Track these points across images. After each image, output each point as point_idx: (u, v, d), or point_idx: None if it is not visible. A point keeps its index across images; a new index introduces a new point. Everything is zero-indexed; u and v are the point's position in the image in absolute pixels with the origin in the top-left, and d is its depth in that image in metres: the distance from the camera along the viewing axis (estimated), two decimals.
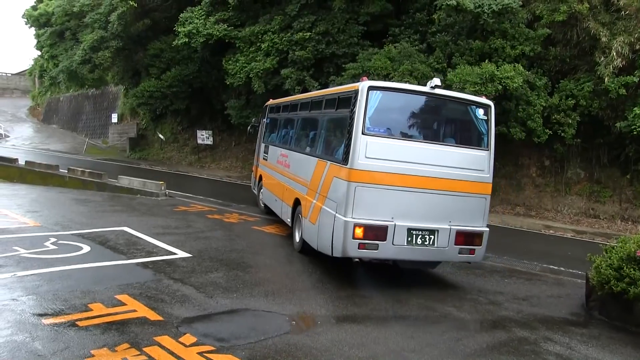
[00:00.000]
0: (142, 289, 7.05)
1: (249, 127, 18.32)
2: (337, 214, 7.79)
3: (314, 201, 8.94)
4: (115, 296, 6.64)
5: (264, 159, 14.48)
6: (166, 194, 16.33)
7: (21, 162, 21.59)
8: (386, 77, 17.72)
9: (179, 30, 22.62)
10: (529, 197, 18.62)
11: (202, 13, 22.86)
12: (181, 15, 23.16)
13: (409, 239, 7.75)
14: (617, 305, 7.26)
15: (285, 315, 6.54)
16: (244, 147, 27.23)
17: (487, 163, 8.26)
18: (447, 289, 8.53)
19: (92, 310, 6.13)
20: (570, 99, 16.73)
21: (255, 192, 15.51)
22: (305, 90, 19.51)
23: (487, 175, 8.28)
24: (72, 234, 10.20)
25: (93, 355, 4.98)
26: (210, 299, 6.88)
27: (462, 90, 16.11)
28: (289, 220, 10.70)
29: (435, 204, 7.90)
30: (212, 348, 5.34)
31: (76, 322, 5.73)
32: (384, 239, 7.63)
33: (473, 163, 8.15)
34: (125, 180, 17.52)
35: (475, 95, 14.84)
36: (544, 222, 16.76)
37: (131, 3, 23.67)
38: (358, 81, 8.11)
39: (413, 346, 5.94)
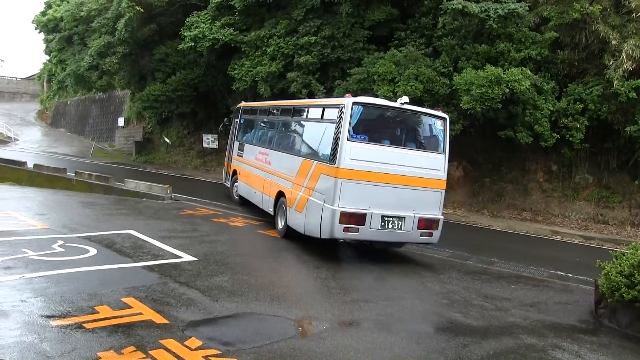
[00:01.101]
0: (148, 292, 7.06)
1: (220, 126, 20.21)
2: (325, 204, 9.62)
3: (300, 193, 10.67)
4: (122, 299, 6.65)
5: (238, 155, 16.20)
6: (172, 198, 16.36)
7: (30, 165, 21.70)
8: (391, 82, 17.73)
9: (185, 34, 22.72)
10: (535, 202, 18.53)
11: (208, 17, 22.96)
12: (187, 19, 23.28)
13: (383, 224, 9.72)
14: (628, 313, 7.15)
15: (291, 320, 6.53)
16: None
17: (443, 164, 10.31)
18: (453, 295, 8.48)
19: (98, 312, 6.14)
20: (578, 103, 16.63)
21: (228, 185, 17.34)
22: (311, 94, 19.58)
23: (443, 173, 10.33)
24: (79, 237, 10.23)
25: (100, 358, 4.99)
26: (216, 302, 6.88)
27: (467, 93, 16.13)
28: (270, 209, 12.38)
29: (403, 196, 9.87)
30: (218, 352, 5.33)
31: (83, 324, 5.74)
32: (363, 224, 9.58)
33: (432, 164, 10.22)
34: (131, 184, 17.57)
35: (481, 98, 15.12)
36: (551, 228, 16.67)
37: (138, 9, 23.79)
38: (343, 96, 10.36)
39: (419, 352, 5.91)
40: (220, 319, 6.38)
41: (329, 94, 19.53)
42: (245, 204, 15.15)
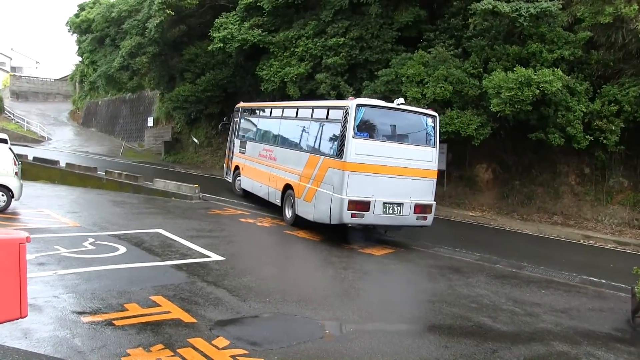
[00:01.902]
0: (176, 290, 7.12)
1: (220, 125, 21.28)
2: (334, 194, 10.94)
3: (308, 185, 12.03)
4: (150, 297, 6.73)
5: (240, 152, 17.48)
6: (200, 197, 16.52)
7: (62, 164, 22.21)
8: (420, 84, 17.58)
9: (214, 35, 22.91)
10: (567, 205, 18.11)
11: (237, 19, 23.11)
12: (216, 20, 23.47)
13: (384, 210, 11.05)
14: None
15: (318, 321, 6.50)
16: None
17: (434, 156, 11.70)
18: (482, 299, 8.33)
19: (127, 310, 6.22)
20: (613, 104, 16.16)
21: (230, 180, 18.69)
22: (340, 96, 19.58)
23: (434, 164, 11.72)
24: (109, 235, 10.41)
25: (129, 355, 5.05)
26: (243, 302, 6.90)
27: (497, 95, 15.87)
28: (278, 201, 13.69)
29: (400, 185, 11.23)
30: (245, 352, 5.34)
31: (113, 321, 5.83)
32: (368, 210, 10.91)
33: (424, 156, 11.60)
34: (160, 183, 17.80)
35: (511, 100, 14.99)
36: (583, 232, 16.25)
37: (168, 12, 24.11)
38: (347, 99, 12.18)
39: (447, 356, 5.82)
40: (248, 318, 6.40)
41: (357, 95, 19.51)
42: (248, 196, 16.66)
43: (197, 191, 16.59)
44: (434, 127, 11.81)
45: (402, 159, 11.23)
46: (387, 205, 11.02)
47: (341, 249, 10.86)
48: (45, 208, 13.41)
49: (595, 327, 7.45)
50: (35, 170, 21.28)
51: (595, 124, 16.24)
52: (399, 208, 11.15)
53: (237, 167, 17.78)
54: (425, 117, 11.92)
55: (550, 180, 18.58)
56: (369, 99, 12.67)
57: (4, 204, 12.50)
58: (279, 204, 13.57)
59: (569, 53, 16.58)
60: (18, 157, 14.02)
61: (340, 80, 20.21)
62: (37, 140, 43.03)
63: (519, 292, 9.01)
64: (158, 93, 36.61)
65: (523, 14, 16.10)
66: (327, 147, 11.82)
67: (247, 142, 17.00)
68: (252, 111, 17.86)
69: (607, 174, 17.65)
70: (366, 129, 11.20)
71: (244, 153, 17.07)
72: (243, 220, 13.50)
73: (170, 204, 15.65)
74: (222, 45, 22.63)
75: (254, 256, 9.67)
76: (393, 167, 11.11)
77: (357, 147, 10.83)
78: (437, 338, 6.37)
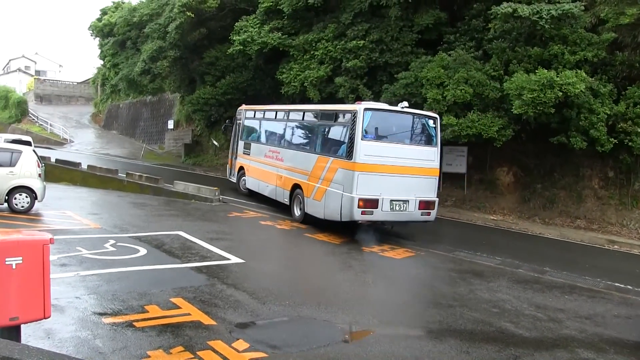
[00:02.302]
0: (196, 292, 7.14)
1: (222, 127, 22.45)
2: (344, 193, 11.63)
3: (318, 185, 12.73)
4: (170, 299, 6.75)
5: (244, 153, 18.31)
6: (220, 200, 16.60)
7: (84, 166, 22.51)
8: (440, 86, 17.45)
9: (234, 38, 23.03)
10: (590, 209, 17.78)
11: (257, 22, 23.21)
12: (236, 24, 23.60)
13: (392, 206, 11.78)
14: None
15: (338, 325, 6.47)
16: None
17: (436, 155, 12.47)
18: (503, 304, 8.20)
19: (148, 312, 6.26)
20: (639, 106, 15.87)
21: (234, 180, 19.51)
22: (358, 99, 19.52)
23: (436, 163, 12.49)
24: (129, 237, 10.50)
25: (149, 356, 5.07)
26: (263, 305, 6.89)
27: (519, 97, 15.66)
28: (286, 200, 14.43)
29: (406, 183, 11.96)
30: (265, 355, 5.32)
31: (133, 323, 5.86)
32: (377, 207, 11.61)
33: (427, 156, 12.34)
34: (180, 186, 17.94)
35: (533, 102, 14.79)
36: (608, 237, 15.94)
37: (189, 14, 24.32)
38: (354, 102, 13.49)
39: None
40: (267, 321, 6.38)
41: (376, 98, 19.46)
42: (252, 195, 17.42)
43: (217, 194, 16.68)
44: (435, 128, 12.62)
45: (406, 159, 12.01)
46: (394, 202, 11.80)
47: (361, 252, 10.80)
48: (67, 209, 13.60)
49: (622, 334, 7.26)
50: (58, 172, 21.60)
51: (619, 126, 15.94)
52: (405, 205, 11.94)
53: (241, 168, 18.65)
54: (427, 119, 12.74)
55: (573, 184, 18.26)
56: (375, 103, 13.57)
57: (27, 205, 12.71)
58: (287, 203, 14.32)
59: (592, 55, 16.29)
60: (41, 159, 14.25)
61: (359, 83, 20.16)
62: (60, 143, 43.74)
63: (542, 297, 8.85)
64: (178, 96, 36.95)
65: (544, 16, 15.86)
66: (336, 148, 12.62)
67: (252, 143, 17.87)
68: (256, 114, 18.44)
69: (632, 178, 17.27)
70: (373, 131, 11.99)
71: (249, 154, 17.97)
72: (263, 222, 13.52)
73: (190, 206, 15.74)
74: (242, 48, 22.73)
75: (273, 259, 9.67)
76: (398, 166, 11.87)
77: (366, 149, 11.59)
78: (458, 343, 6.28)
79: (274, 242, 11.37)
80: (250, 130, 18.48)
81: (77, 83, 67.20)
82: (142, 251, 9.33)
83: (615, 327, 7.57)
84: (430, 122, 12.69)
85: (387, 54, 19.98)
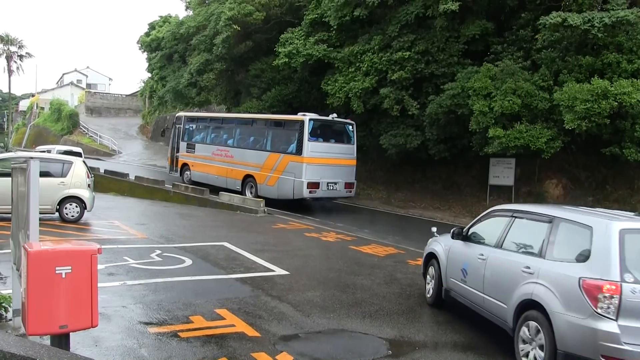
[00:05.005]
0: (240, 304, 7.12)
1: (161, 132, 28.37)
2: (295, 179, 17.06)
3: (270, 174, 18.08)
4: (215, 310, 6.74)
5: (188, 152, 22.98)
6: (265, 211, 16.64)
7: (131, 177, 23.07)
8: (487, 97, 17.08)
9: (280, 50, 23.21)
10: None
11: (302, 34, 23.33)
12: (282, 36, 23.79)
13: (327, 187, 17.45)
14: None
15: (383, 339, 6.30)
16: None
17: (354, 150, 18.49)
18: None
19: (192, 322, 6.26)
20: None
21: (176, 174, 23.83)
22: (404, 110, 19.50)
23: (354, 156, 18.47)
24: (175, 247, 10.62)
25: None
26: (307, 317, 6.79)
27: (571, 110, 15.14)
28: (238, 187, 19.37)
29: (336, 170, 17.73)
30: None
31: (178, 333, 5.86)
32: (318, 188, 17.22)
33: (348, 151, 18.35)
34: (225, 197, 18.12)
35: (586, 114, 14.25)
36: None
37: (235, 27, 24.69)
38: (301, 113, 18.24)
39: None
40: (312, 334, 6.28)
41: (422, 109, 19.28)
42: (196, 184, 20.94)
43: (262, 205, 16.74)
44: (353, 132, 18.49)
45: (336, 153, 17.85)
46: (329, 184, 17.49)
47: (406, 266, 10.57)
48: (115, 219, 13.91)
49: None
50: (107, 183, 22.22)
51: None
52: (336, 185, 17.73)
53: (184, 164, 23.08)
54: (347, 125, 18.56)
55: (627, 197, 17.47)
56: (313, 114, 18.07)
57: (77, 215, 13.06)
58: (239, 189, 19.15)
59: None
60: (91, 169, 14.66)
61: (405, 94, 19.97)
62: (109, 154, 45.13)
63: None
64: (224, 108, 37.54)
65: (596, 24, 15.28)
66: (285, 147, 17.91)
67: (197, 144, 22.61)
68: (199, 120, 24.25)
69: None
70: (315, 134, 17.38)
71: (193, 153, 22.68)
72: (307, 234, 13.46)
73: (235, 217, 15.87)
74: (287, 60, 22.87)
75: (318, 271, 9.56)
76: (331, 159, 17.58)
77: (311, 147, 17.06)
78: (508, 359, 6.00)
79: (319, 254, 11.26)
80: (194, 134, 23.17)
81: (126, 96, 69.35)
82: (188, 261, 9.40)
83: None
84: (350, 127, 18.51)
85: (433, 65, 19.74)
